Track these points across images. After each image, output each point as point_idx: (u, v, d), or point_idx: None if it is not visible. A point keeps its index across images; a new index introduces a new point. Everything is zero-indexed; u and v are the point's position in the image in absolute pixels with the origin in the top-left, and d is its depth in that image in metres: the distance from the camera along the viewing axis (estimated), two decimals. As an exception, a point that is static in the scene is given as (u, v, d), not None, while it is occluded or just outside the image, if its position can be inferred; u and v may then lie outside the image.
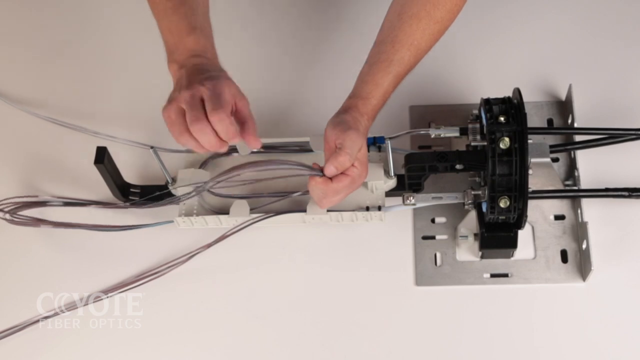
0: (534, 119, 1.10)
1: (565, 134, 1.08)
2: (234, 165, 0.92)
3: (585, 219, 1.00)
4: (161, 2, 0.94)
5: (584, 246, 0.99)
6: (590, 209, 1.01)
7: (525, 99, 0.92)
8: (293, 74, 1.18)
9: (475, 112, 0.98)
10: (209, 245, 1.01)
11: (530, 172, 0.91)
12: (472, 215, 1.00)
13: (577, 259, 1.00)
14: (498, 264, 1.01)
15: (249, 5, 1.25)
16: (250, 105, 0.98)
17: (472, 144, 0.97)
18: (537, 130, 1.06)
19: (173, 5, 0.93)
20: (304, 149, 1.04)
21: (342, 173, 0.91)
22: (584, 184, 1.04)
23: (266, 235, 1.03)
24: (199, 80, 0.87)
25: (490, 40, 1.17)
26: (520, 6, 1.20)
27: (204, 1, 0.96)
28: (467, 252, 1.02)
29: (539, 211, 1.03)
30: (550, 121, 1.11)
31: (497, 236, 0.97)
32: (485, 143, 0.92)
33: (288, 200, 1.01)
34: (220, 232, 1.01)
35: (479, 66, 1.15)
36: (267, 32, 1.22)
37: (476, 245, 1.00)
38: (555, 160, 1.07)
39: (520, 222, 0.94)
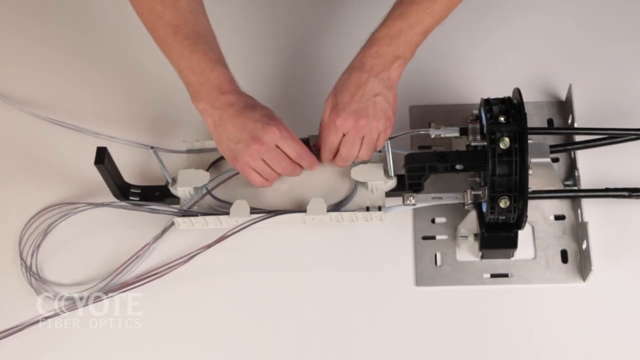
0: (534, 119, 1.10)
1: (565, 134, 1.08)
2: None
3: (585, 219, 1.00)
4: (175, 41, 0.94)
5: (584, 246, 0.99)
6: (590, 209, 1.01)
7: (525, 99, 0.92)
8: (294, 71, 1.18)
9: (475, 112, 0.98)
10: (209, 246, 1.01)
11: (530, 172, 0.91)
12: (472, 215, 1.00)
13: (577, 259, 1.00)
14: (498, 264, 1.01)
15: (251, 2, 1.25)
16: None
17: (472, 144, 0.97)
18: (537, 131, 1.06)
19: (190, 44, 0.94)
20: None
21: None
22: (584, 184, 1.04)
23: (266, 235, 1.03)
24: (258, 128, 0.93)
25: (490, 40, 1.17)
26: (520, 6, 1.20)
27: (211, 30, 0.97)
28: (467, 252, 1.02)
29: (539, 211, 1.03)
30: (550, 121, 1.11)
31: (497, 236, 0.97)
32: (485, 143, 0.92)
33: (289, 201, 1.01)
34: (221, 233, 1.00)
35: (479, 66, 1.15)
36: (267, 29, 1.22)
37: (476, 245, 1.00)
38: (555, 160, 1.07)
39: (520, 222, 0.94)
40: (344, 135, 0.95)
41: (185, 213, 1.01)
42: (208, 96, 0.94)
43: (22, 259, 1.04)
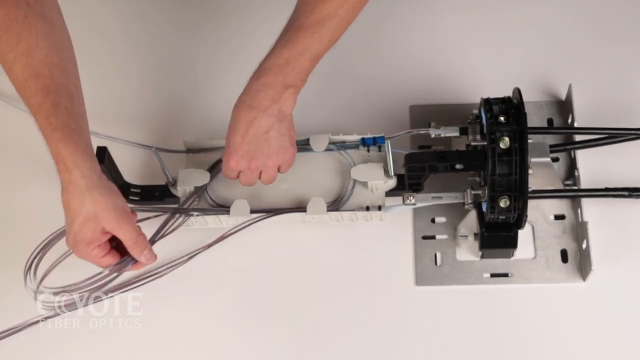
0: (534, 119, 1.10)
1: (565, 134, 1.08)
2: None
3: (585, 218, 1.00)
4: (25, 97, 0.88)
5: (584, 246, 0.99)
6: (590, 208, 1.01)
7: (525, 98, 0.92)
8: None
9: (475, 111, 0.98)
10: (209, 246, 1.01)
11: (530, 171, 0.91)
12: (472, 215, 1.00)
13: (577, 258, 1.00)
14: (498, 263, 1.01)
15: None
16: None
17: (472, 143, 0.97)
18: (537, 130, 1.06)
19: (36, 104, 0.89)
20: (305, 148, 1.04)
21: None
22: (583, 184, 1.04)
23: (266, 235, 1.03)
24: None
25: (490, 40, 1.17)
26: (520, 6, 1.20)
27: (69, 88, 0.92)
28: (467, 251, 1.02)
29: (539, 211, 1.03)
30: (550, 121, 1.11)
31: (497, 236, 0.97)
32: (485, 143, 0.92)
33: (288, 200, 1.01)
34: (220, 232, 1.01)
35: (479, 66, 1.15)
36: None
37: (476, 245, 1.00)
38: (555, 160, 1.07)
39: (520, 221, 0.94)
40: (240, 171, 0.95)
41: (184, 212, 1.01)
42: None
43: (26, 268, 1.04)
